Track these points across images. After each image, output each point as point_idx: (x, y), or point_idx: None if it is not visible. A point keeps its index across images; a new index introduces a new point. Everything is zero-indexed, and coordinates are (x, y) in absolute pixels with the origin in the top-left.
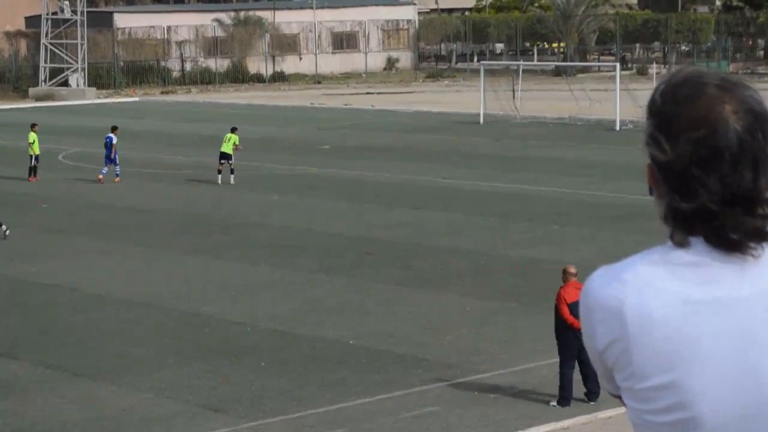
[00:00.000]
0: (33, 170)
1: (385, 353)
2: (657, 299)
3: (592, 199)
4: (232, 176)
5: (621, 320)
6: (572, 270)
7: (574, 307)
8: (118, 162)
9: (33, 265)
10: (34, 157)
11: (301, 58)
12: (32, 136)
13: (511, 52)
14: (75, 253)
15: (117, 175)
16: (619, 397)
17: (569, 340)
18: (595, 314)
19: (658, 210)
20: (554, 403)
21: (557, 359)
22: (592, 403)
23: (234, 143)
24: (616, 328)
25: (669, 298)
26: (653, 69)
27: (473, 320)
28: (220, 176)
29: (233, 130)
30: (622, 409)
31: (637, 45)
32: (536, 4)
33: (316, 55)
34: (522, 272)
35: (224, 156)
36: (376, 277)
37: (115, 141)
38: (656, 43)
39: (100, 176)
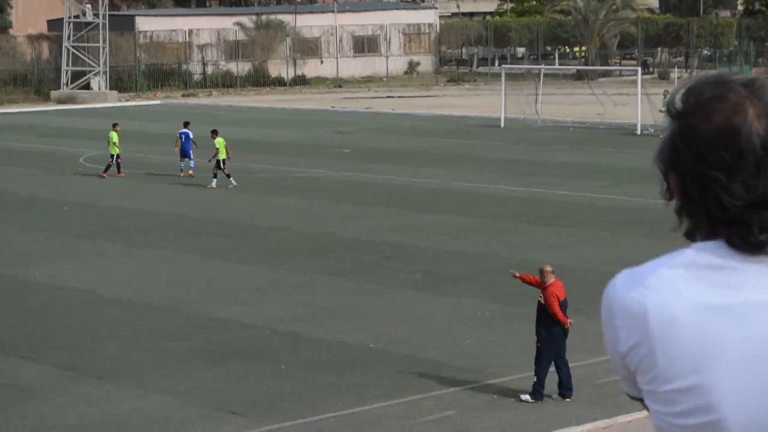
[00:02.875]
0: (117, 167)
1: (404, 357)
2: (681, 303)
3: (612, 203)
4: (231, 179)
5: (645, 324)
6: (549, 268)
7: (561, 305)
8: (192, 156)
9: (56, 269)
10: (115, 156)
11: (322, 62)
12: (114, 136)
13: (532, 57)
14: (96, 255)
15: (185, 169)
16: (640, 400)
17: (557, 336)
18: (618, 318)
19: (677, 213)
20: (526, 395)
21: (575, 363)
22: (568, 400)
23: (216, 147)
24: (639, 332)
25: (693, 302)
26: (675, 73)
27: (492, 324)
28: (215, 180)
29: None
30: (641, 414)
31: (659, 49)
32: (557, 9)
33: (337, 58)
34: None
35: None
36: (396, 280)
37: (192, 135)
38: (678, 48)
39: (191, 171)
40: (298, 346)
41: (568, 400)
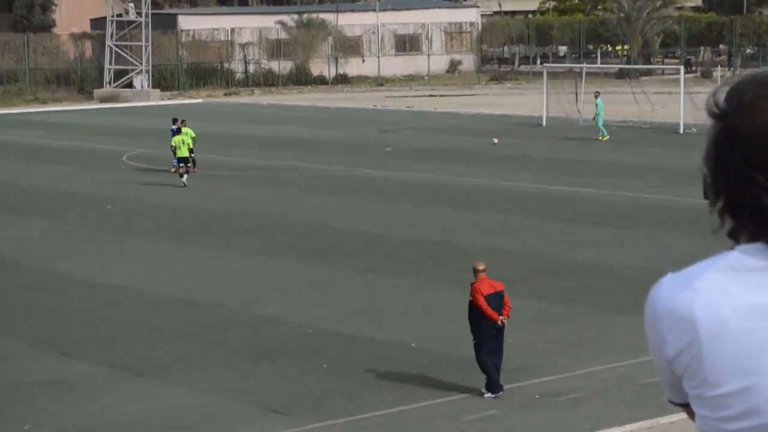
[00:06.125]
0: (193, 162)
1: (448, 356)
2: (728, 305)
3: (655, 202)
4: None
5: (693, 327)
6: (481, 267)
7: (489, 299)
8: (175, 155)
9: (99, 266)
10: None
11: (363, 61)
12: (190, 132)
13: (574, 55)
14: (140, 254)
15: (173, 167)
16: (684, 406)
17: (487, 330)
18: (665, 322)
19: (719, 214)
20: (488, 393)
21: (620, 363)
22: (501, 393)
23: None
24: (687, 336)
25: (740, 304)
26: (718, 72)
27: (536, 323)
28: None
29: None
30: (684, 415)
31: (702, 48)
32: (600, 7)
33: (378, 57)
34: (585, 275)
35: (183, 160)
36: (439, 279)
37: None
38: (721, 46)
39: (173, 169)
40: (341, 345)
41: (501, 393)
